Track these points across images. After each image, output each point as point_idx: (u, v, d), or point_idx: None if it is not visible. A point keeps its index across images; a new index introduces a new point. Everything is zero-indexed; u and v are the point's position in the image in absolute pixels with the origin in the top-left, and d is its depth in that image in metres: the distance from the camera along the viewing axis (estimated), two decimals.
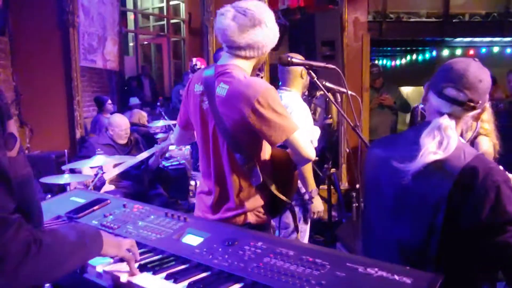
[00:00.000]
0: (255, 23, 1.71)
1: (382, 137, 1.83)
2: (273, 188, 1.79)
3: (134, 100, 6.68)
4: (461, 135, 1.56)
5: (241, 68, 1.77)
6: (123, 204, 1.71)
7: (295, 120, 2.59)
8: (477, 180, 1.30)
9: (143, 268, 1.25)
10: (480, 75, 1.38)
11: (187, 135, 2.09)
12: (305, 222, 3.07)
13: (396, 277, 1.05)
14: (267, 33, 1.75)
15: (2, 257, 0.85)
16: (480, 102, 1.39)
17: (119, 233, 1.47)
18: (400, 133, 1.66)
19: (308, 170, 2.86)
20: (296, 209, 2.92)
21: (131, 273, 1.22)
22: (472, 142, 2.54)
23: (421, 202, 1.40)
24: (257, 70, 2.78)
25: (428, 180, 1.38)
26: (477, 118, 1.47)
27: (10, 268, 0.86)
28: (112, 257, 1.26)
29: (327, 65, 2.09)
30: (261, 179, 1.74)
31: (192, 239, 1.37)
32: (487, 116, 2.57)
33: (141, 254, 1.31)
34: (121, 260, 1.26)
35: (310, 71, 2.04)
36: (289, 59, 2.02)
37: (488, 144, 2.64)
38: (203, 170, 1.92)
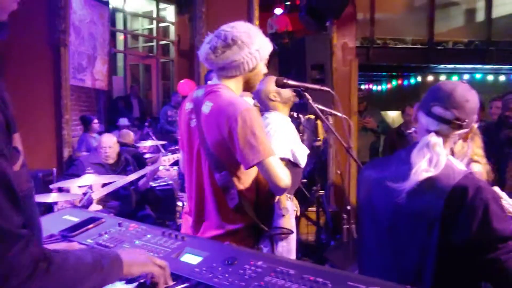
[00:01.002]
0: (229, 43, 1.73)
1: (374, 159, 1.86)
2: (250, 213, 1.77)
3: (123, 121, 6.66)
4: (452, 154, 1.60)
5: (229, 88, 1.80)
6: (118, 223, 1.69)
7: (277, 141, 2.60)
8: (467, 199, 1.33)
9: (142, 287, 1.23)
10: (467, 96, 1.44)
11: None
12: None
13: None
14: (244, 50, 1.75)
15: (7, 273, 0.82)
16: (467, 121, 1.44)
17: None
18: (392, 154, 1.69)
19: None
20: None
21: None
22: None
23: (415, 221, 1.42)
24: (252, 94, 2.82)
25: (421, 198, 1.41)
26: (465, 138, 1.51)
27: (16, 285, 0.83)
28: (136, 278, 1.19)
29: (322, 88, 2.14)
30: (237, 201, 1.73)
31: (191, 258, 1.36)
32: (478, 141, 2.61)
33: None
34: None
35: (305, 93, 2.09)
36: (284, 81, 2.07)
37: (481, 171, 2.65)
38: (187, 190, 1.94)
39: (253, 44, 1.76)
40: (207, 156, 1.75)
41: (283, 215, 2.83)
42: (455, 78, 8.08)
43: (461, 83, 1.47)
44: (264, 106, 2.87)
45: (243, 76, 1.82)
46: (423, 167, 1.41)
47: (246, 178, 1.79)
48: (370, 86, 9.97)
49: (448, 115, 1.43)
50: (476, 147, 2.60)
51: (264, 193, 1.83)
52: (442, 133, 1.45)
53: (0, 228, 0.81)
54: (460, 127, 1.43)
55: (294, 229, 2.94)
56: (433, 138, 1.43)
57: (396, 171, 1.50)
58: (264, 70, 1.86)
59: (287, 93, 2.81)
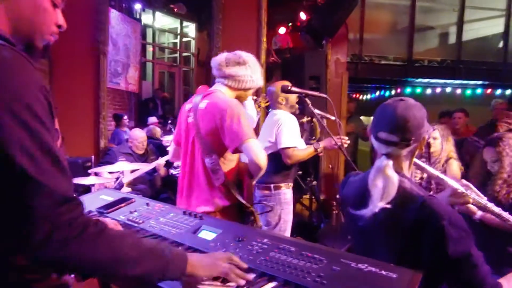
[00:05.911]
0: (240, 61, 1.87)
1: (355, 173, 1.54)
2: (234, 191, 1.82)
3: (152, 119, 6.67)
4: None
5: (224, 93, 1.88)
6: (146, 203, 1.67)
7: (287, 131, 2.60)
8: (425, 234, 1.17)
9: None
10: (407, 116, 1.25)
11: (179, 151, 2.10)
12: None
13: (384, 272, 1.03)
14: (248, 72, 1.87)
15: (52, 229, 0.76)
16: (413, 138, 1.26)
17: (144, 227, 1.43)
18: (364, 173, 1.43)
19: (300, 155, 2.68)
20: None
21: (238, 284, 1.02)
22: (443, 165, 2.51)
23: (382, 245, 1.27)
24: (253, 96, 2.79)
25: (383, 228, 1.27)
26: (420, 149, 1.34)
27: (59, 240, 0.77)
28: (201, 280, 1.00)
29: (320, 94, 2.12)
30: (223, 180, 1.79)
31: (207, 235, 1.34)
32: (451, 141, 2.57)
33: None
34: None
35: (306, 98, 2.06)
36: (289, 87, 2.04)
37: (456, 167, 2.58)
38: (181, 174, 1.99)
39: (254, 72, 1.89)
40: (200, 143, 1.82)
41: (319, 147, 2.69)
42: (429, 91, 8.01)
43: (399, 103, 1.27)
44: (272, 105, 2.86)
45: (236, 90, 1.90)
46: (377, 197, 1.24)
47: (230, 163, 1.86)
48: (359, 95, 9.91)
49: (393, 138, 1.26)
50: (451, 145, 2.58)
51: (244, 177, 1.90)
52: (393, 154, 1.28)
53: (49, 188, 0.76)
54: (408, 145, 1.27)
55: (291, 215, 2.86)
56: (384, 162, 1.27)
57: (357, 192, 1.36)
58: (250, 95, 1.99)
59: (293, 101, 2.77)
